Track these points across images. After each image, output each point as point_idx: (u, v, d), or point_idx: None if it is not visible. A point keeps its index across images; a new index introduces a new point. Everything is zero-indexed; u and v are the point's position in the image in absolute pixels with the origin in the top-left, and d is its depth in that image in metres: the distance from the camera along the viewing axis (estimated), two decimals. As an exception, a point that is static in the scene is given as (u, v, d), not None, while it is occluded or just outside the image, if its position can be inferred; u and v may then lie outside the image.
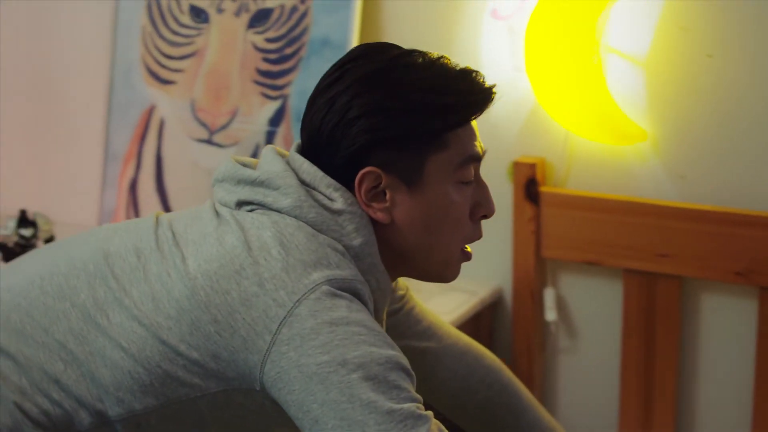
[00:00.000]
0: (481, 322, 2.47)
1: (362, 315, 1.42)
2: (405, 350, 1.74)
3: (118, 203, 2.77)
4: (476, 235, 1.59)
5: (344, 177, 1.51)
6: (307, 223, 1.49)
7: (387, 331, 1.74)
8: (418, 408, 1.38)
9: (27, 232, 2.61)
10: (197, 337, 1.43)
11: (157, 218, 1.57)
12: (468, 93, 1.52)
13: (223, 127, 2.61)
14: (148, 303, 1.46)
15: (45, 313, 1.49)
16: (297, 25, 2.54)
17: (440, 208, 1.53)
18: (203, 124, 2.63)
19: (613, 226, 2.29)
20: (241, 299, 1.42)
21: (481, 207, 1.58)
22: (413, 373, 1.43)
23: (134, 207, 2.74)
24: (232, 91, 2.61)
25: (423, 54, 1.54)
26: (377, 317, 1.58)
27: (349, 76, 1.50)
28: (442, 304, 2.36)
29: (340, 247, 1.48)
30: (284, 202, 1.50)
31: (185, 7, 2.66)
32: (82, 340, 1.47)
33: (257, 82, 2.58)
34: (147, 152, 2.73)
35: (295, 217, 1.49)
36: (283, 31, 2.55)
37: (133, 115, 2.74)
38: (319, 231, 1.49)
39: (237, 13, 2.59)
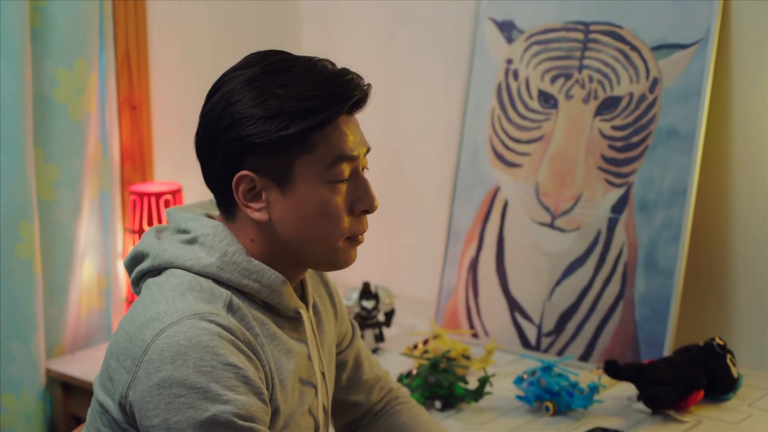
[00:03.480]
0: None
1: (184, 370, 1.57)
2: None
3: (457, 282, 2.95)
4: (359, 229, 1.74)
5: (225, 183, 1.69)
6: (168, 266, 1.70)
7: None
8: None
9: (369, 304, 2.83)
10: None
11: None
12: (329, 95, 1.66)
13: (566, 212, 2.77)
14: None
15: None
16: (645, 113, 2.67)
17: (313, 206, 1.69)
18: (546, 208, 2.80)
19: None
20: (108, 377, 1.67)
21: (361, 202, 1.73)
22: (246, 422, 1.59)
23: (473, 286, 2.92)
24: (576, 176, 2.75)
25: (303, 59, 1.69)
26: (283, 311, 1.74)
27: (225, 86, 1.69)
28: None
29: (185, 278, 1.67)
30: (146, 264, 1.73)
31: (534, 92, 2.85)
32: None
33: (602, 169, 2.72)
34: (489, 233, 2.91)
35: (158, 267, 1.71)
36: (630, 119, 2.69)
37: (478, 195, 2.93)
38: (177, 267, 1.69)
39: (585, 100, 2.76)
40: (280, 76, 1.67)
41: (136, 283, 1.77)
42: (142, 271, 1.74)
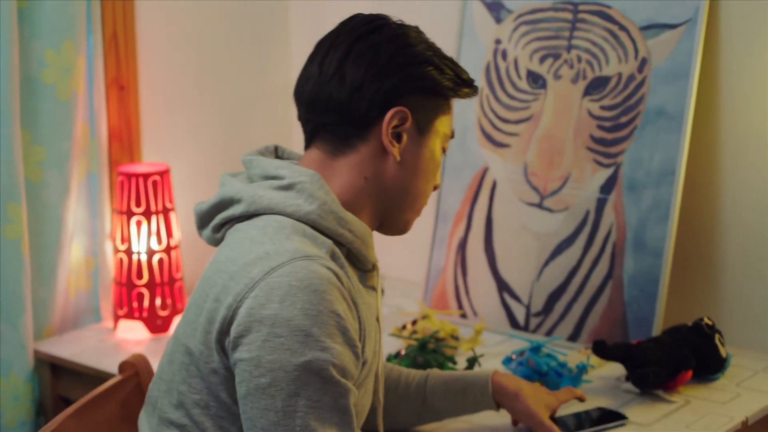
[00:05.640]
0: None
1: (291, 311, 1.58)
2: None
3: (446, 262, 2.96)
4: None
5: (373, 112, 1.73)
6: (265, 212, 1.70)
7: None
8: (314, 423, 1.58)
9: (358, 284, 2.85)
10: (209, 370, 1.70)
11: None
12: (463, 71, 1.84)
13: (554, 192, 2.78)
14: None
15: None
16: (633, 93, 2.68)
17: (433, 163, 1.80)
18: (535, 188, 2.80)
19: None
20: (207, 318, 1.67)
21: (437, 178, 1.84)
22: (338, 374, 1.61)
23: (462, 266, 2.93)
24: (565, 156, 2.76)
25: None
26: (364, 264, 1.77)
27: (385, 31, 1.76)
28: None
29: (287, 223, 1.68)
30: (239, 209, 1.72)
31: (523, 72, 2.85)
32: None
33: (590, 149, 2.73)
34: (478, 213, 2.92)
35: (254, 213, 1.71)
36: (619, 99, 2.70)
37: (466, 176, 2.94)
38: (276, 213, 1.69)
39: (574, 80, 2.76)
40: (428, 39, 1.84)
41: (218, 229, 1.78)
42: (232, 216, 1.74)
